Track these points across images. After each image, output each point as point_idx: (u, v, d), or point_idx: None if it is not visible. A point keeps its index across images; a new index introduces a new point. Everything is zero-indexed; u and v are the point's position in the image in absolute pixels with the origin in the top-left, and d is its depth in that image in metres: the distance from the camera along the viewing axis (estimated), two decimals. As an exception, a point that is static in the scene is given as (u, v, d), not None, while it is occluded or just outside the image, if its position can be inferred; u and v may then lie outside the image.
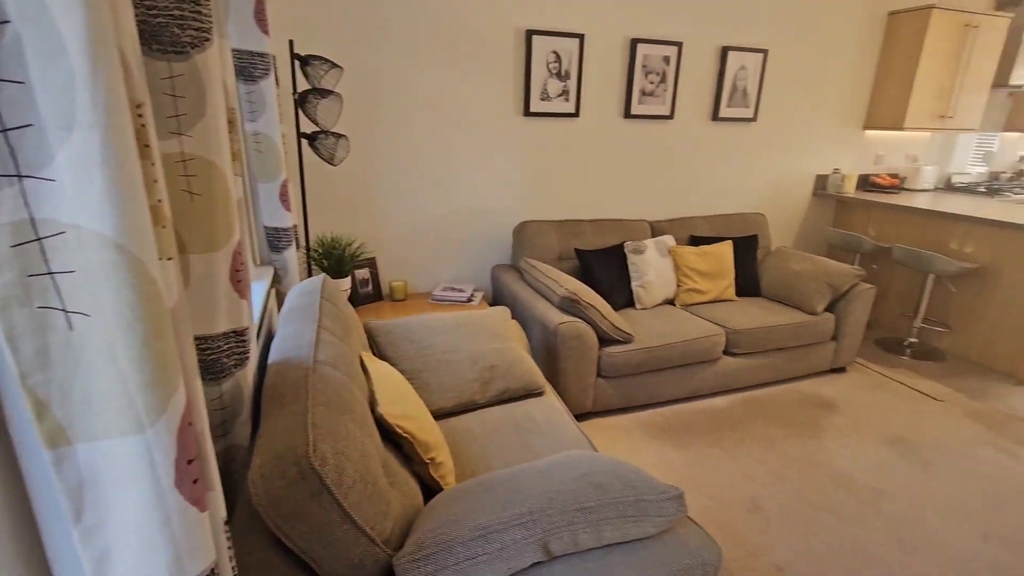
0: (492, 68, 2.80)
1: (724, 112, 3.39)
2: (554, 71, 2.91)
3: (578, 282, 2.52)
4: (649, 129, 3.27)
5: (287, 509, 0.83)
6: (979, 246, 3.19)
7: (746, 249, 3.19)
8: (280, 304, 1.91)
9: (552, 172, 3.13)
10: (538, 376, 1.93)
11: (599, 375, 2.46)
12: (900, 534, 1.88)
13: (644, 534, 1.06)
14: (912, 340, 3.41)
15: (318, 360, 1.19)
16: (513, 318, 2.65)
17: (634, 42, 3.03)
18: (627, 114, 3.16)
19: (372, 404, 1.30)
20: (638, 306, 2.88)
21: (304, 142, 2.53)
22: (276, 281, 1.98)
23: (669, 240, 3.06)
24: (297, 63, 2.21)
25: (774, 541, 1.83)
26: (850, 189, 3.86)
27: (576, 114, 3.04)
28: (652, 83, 3.15)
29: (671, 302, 3.00)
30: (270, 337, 1.72)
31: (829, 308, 2.96)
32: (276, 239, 1.93)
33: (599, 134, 3.16)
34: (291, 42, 2.13)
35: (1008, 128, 4.52)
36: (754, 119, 3.48)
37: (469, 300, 2.80)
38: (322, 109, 2.08)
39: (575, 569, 1.00)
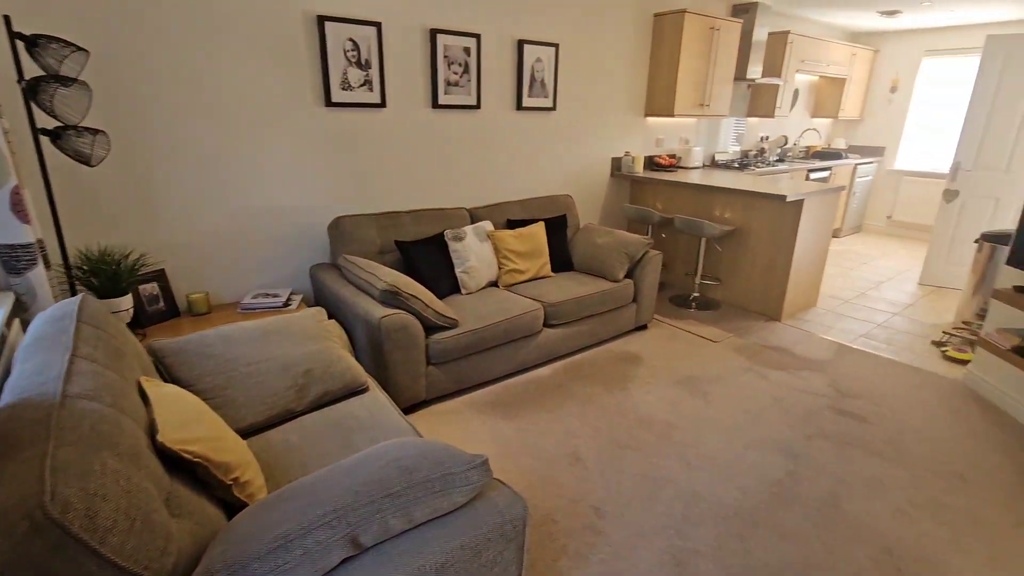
0: (283, 55, 2.62)
1: (527, 102, 3.61)
2: (353, 60, 2.82)
3: (399, 274, 2.51)
4: (459, 119, 3.35)
5: (21, 573, 0.71)
6: (734, 212, 3.89)
7: (557, 228, 3.48)
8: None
9: (365, 164, 3.05)
10: (360, 374, 1.90)
11: (429, 363, 2.50)
12: (687, 456, 2.24)
13: (454, 505, 1.12)
14: (695, 295, 4.04)
15: (69, 394, 1.03)
16: (335, 317, 2.56)
17: (433, 32, 3.06)
18: (435, 104, 3.20)
19: (153, 433, 1.16)
20: (463, 291, 2.97)
21: (45, 140, 2.11)
22: (21, 309, 1.65)
23: (487, 225, 3.19)
24: (21, 45, 1.84)
25: (592, 485, 2.06)
26: (639, 169, 4.41)
27: (382, 104, 2.99)
28: (456, 73, 3.23)
29: (495, 284, 3.15)
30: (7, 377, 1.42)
31: (629, 275, 3.36)
32: (13, 259, 1.60)
33: (409, 124, 3.15)
34: (7, 18, 1.75)
35: (751, 114, 5.54)
36: (554, 108, 3.78)
37: (286, 304, 2.62)
38: (61, 100, 1.75)
39: (388, 555, 1.02)
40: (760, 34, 4.82)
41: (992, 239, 3.51)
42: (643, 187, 4.48)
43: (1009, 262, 2.61)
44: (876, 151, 6.68)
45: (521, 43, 3.46)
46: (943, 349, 3.28)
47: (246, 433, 1.65)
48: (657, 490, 2.04)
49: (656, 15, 4.20)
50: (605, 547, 1.76)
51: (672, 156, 4.68)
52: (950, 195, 4.37)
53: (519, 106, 3.58)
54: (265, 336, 1.84)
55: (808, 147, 6.50)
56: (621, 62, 4.11)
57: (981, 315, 3.60)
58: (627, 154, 4.35)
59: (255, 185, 2.69)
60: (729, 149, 5.55)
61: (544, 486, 2.05)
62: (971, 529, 1.88)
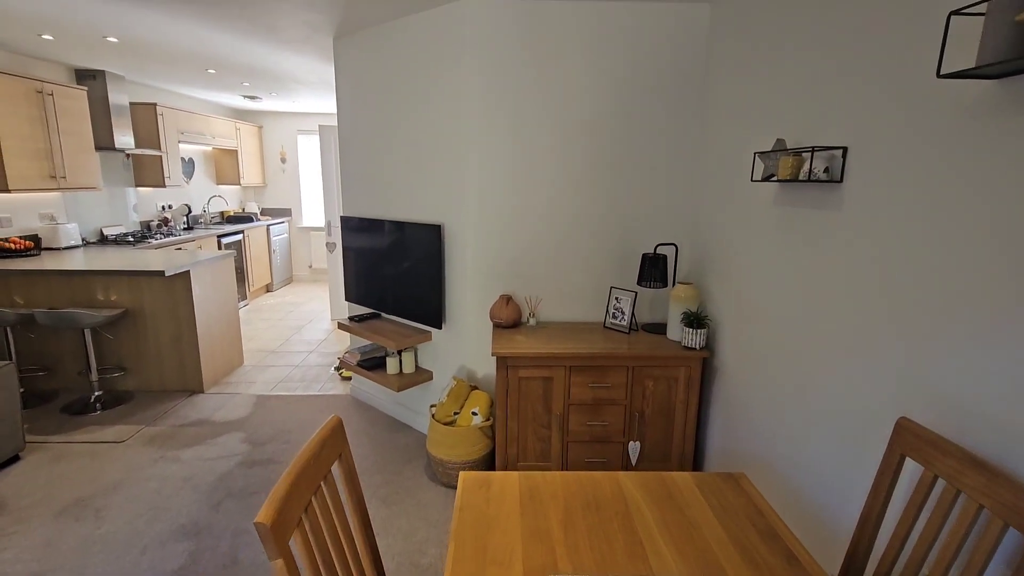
0: None
1: None
2: None
3: None
4: None
5: None
6: (121, 293, 3.54)
7: None
8: None
9: None
10: None
11: None
12: (57, 606, 1.85)
13: None
14: (98, 393, 3.47)
15: None
16: None
17: None
18: None
19: None
20: None
21: None
22: None
23: None
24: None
25: None
26: (-28, 259, 3.39)
27: None
28: None
29: None
30: None
31: (-41, 403, 2.51)
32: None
33: None
34: None
35: (140, 184, 5.23)
36: None
37: None
38: None
39: None
40: (120, 100, 4.59)
41: (352, 278, 4.58)
42: (-12, 280, 3.48)
43: (347, 298, 3.44)
44: (285, 212, 7.63)
45: None
46: (339, 371, 4.04)
47: None
48: None
49: (-58, 68, 3.30)
50: None
51: (29, 238, 3.84)
52: (331, 246, 5.45)
53: None
54: None
55: (222, 212, 6.74)
56: None
57: (364, 335, 4.64)
58: (-58, 242, 3.26)
59: None
60: (129, 221, 5.08)
61: None
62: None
